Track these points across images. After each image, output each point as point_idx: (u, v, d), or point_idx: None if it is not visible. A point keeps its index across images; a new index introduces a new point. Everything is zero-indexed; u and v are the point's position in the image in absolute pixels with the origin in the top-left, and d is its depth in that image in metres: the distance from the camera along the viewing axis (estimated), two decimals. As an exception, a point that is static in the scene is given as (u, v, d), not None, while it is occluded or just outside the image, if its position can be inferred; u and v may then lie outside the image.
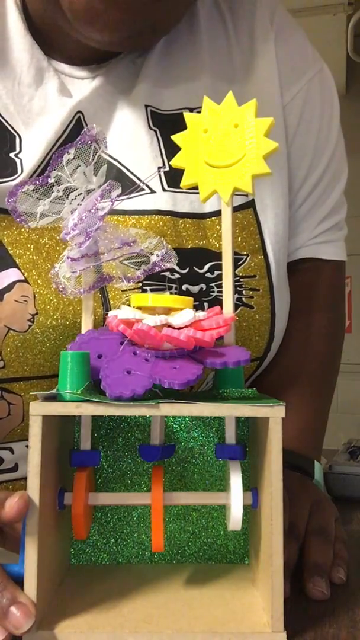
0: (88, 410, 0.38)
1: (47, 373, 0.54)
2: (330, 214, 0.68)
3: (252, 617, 0.40)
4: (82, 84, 0.59)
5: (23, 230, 0.53)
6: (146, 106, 0.59)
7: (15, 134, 0.55)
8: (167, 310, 0.43)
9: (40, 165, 0.54)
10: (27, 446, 0.57)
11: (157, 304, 0.43)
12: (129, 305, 0.44)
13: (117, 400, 0.37)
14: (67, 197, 0.45)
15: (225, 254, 0.44)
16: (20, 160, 0.54)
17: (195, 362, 0.41)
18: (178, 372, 0.39)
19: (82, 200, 0.45)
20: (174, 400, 0.38)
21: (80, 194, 0.45)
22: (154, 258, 0.47)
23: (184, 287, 0.55)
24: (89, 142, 0.46)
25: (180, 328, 0.41)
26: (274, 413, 0.39)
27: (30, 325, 0.52)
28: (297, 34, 0.67)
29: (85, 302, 0.46)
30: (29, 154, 0.54)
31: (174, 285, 0.55)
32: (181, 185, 0.46)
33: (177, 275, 0.55)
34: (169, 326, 0.41)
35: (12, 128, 0.55)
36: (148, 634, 0.38)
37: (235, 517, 0.42)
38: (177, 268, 0.55)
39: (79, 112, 0.57)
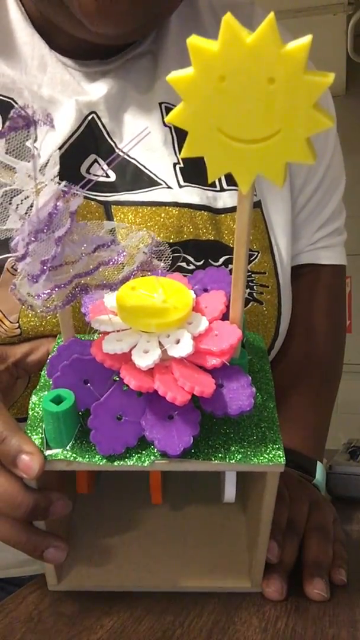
0: (80, 466, 0.38)
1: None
2: (329, 220, 0.69)
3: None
4: (90, 79, 0.59)
5: None
6: (160, 104, 0.60)
7: None
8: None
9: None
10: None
11: (147, 329, 0.37)
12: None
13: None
14: (10, 204, 0.35)
15: (238, 248, 0.36)
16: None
17: (192, 406, 0.38)
18: (172, 428, 0.37)
19: (32, 205, 0.35)
20: (168, 460, 0.38)
21: (27, 197, 0.35)
22: (140, 256, 0.38)
23: None
24: (24, 126, 0.32)
25: (180, 357, 0.37)
26: (272, 469, 0.39)
27: None
28: None
29: (62, 316, 0.40)
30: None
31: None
32: (181, 156, 0.36)
33: (192, 267, 0.55)
34: (164, 351, 0.37)
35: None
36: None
37: (229, 489, 0.43)
38: (192, 259, 0.55)
39: (93, 112, 0.58)
